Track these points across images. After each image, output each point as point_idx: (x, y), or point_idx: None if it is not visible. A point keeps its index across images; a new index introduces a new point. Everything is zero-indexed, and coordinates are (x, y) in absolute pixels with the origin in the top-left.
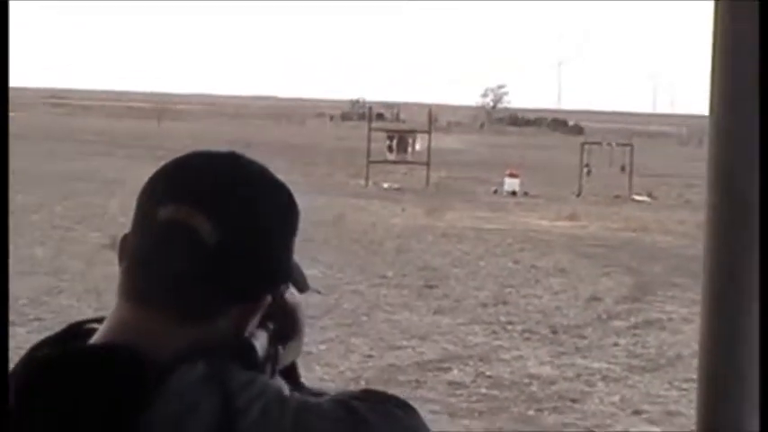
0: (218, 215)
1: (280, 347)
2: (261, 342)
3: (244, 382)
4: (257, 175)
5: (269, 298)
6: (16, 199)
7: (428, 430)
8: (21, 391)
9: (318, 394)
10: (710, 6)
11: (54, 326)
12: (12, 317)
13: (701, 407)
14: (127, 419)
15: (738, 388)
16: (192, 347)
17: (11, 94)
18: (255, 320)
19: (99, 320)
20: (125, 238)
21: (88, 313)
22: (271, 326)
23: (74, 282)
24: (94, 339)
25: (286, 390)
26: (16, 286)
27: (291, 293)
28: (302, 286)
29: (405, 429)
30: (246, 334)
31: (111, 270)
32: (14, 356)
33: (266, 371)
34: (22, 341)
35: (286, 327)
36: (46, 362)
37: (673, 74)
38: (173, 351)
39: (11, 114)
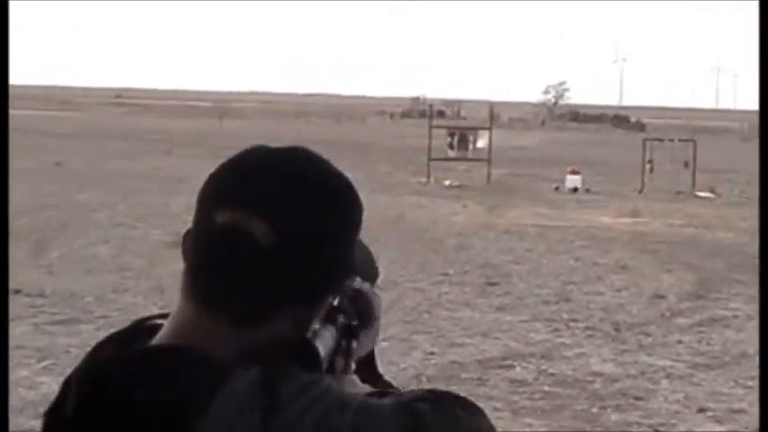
0: (277, 217)
1: (353, 342)
2: (326, 340)
3: (300, 386)
4: (319, 170)
5: (330, 299)
6: (79, 198)
7: (493, 430)
8: (86, 390)
9: (390, 386)
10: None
11: (119, 323)
12: (78, 314)
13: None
14: (185, 421)
15: None
16: (251, 349)
17: (77, 93)
18: (318, 319)
19: (163, 316)
20: (187, 234)
21: (153, 311)
22: (341, 319)
23: (138, 279)
24: (158, 338)
25: (355, 388)
26: (82, 284)
27: (364, 284)
28: (371, 274)
29: (469, 428)
30: (311, 332)
31: (173, 268)
32: (82, 353)
33: (336, 367)
34: (88, 338)
35: (359, 317)
36: (111, 361)
37: (735, 68)
38: (233, 352)
39: (75, 114)
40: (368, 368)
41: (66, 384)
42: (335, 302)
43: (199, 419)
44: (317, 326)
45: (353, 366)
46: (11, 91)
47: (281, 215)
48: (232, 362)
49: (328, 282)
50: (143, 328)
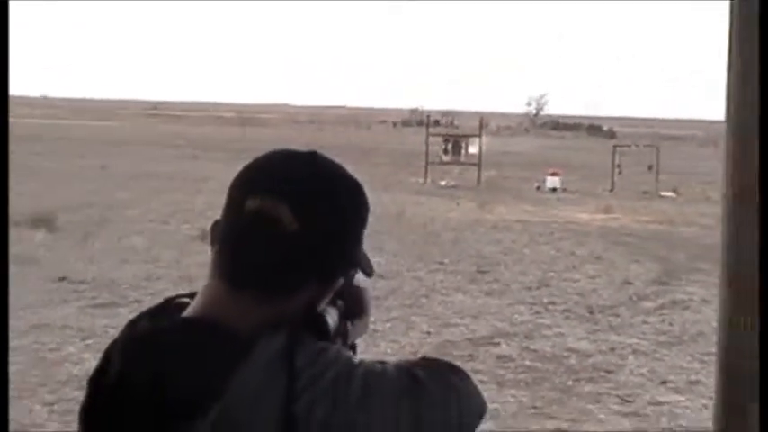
0: (299, 207)
1: (348, 324)
2: (333, 317)
3: (317, 350)
4: (335, 172)
5: (340, 280)
6: (116, 195)
7: (480, 394)
8: (126, 358)
9: (382, 363)
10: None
11: None
12: (115, 299)
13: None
14: (216, 386)
15: (749, 368)
16: (271, 321)
17: (118, 106)
18: (327, 299)
19: (190, 296)
20: (216, 224)
21: None
22: (341, 304)
23: (169, 269)
24: (187, 313)
25: (355, 358)
26: (118, 273)
27: (359, 279)
28: (369, 272)
29: (459, 396)
30: (321, 309)
31: (201, 259)
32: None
33: (337, 342)
34: (124, 320)
35: (354, 306)
36: (146, 333)
37: (692, 83)
38: (255, 324)
39: (115, 124)
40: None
41: (107, 355)
42: (339, 289)
43: (227, 384)
44: (324, 305)
45: (347, 347)
46: (59, 103)
47: (303, 206)
48: (254, 332)
49: (339, 267)
50: (172, 305)
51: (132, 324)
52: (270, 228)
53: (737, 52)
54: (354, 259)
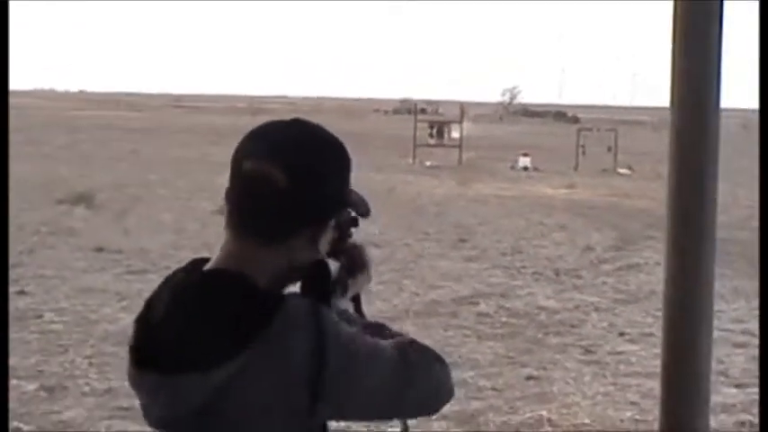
0: (287, 164)
1: (349, 278)
2: (333, 267)
3: (336, 318)
4: (316, 132)
5: (332, 222)
6: (148, 177)
7: (452, 383)
8: (170, 299)
9: (379, 325)
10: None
11: None
12: (147, 266)
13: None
14: (252, 333)
15: (690, 318)
16: (280, 271)
17: (146, 99)
18: (325, 238)
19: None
20: (227, 190)
21: None
22: (342, 259)
23: (192, 239)
24: (213, 264)
25: (351, 310)
26: (149, 242)
27: (360, 243)
28: (363, 211)
29: (438, 378)
30: (321, 258)
31: (219, 230)
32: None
33: (336, 291)
34: (155, 284)
35: (355, 262)
36: (184, 280)
37: (648, 72)
38: (267, 271)
39: (144, 114)
40: (356, 305)
41: (148, 303)
42: (339, 247)
43: (262, 329)
44: (327, 259)
45: (348, 297)
46: (93, 96)
47: (290, 163)
48: (275, 285)
49: (328, 210)
50: (198, 262)
51: (170, 277)
52: (262, 184)
53: (680, 50)
54: (343, 200)
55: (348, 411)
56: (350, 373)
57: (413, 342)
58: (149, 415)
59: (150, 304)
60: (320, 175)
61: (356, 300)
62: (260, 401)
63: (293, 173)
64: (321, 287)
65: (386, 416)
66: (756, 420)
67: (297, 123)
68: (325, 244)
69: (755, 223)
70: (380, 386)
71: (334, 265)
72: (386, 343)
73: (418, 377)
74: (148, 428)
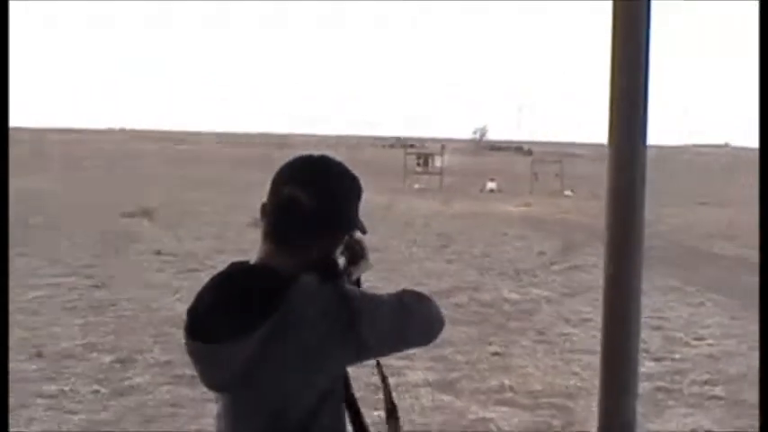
0: (315, 191)
1: (352, 267)
2: (341, 261)
3: (342, 287)
4: (338, 167)
5: (345, 237)
6: (192, 196)
7: (442, 315)
8: (215, 289)
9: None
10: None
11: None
12: (196, 266)
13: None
14: (270, 308)
15: (626, 307)
16: (301, 265)
17: (194, 137)
18: (338, 249)
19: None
20: (263, 205)
21: None
22: (347, 254)
23: (230, 245)
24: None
25: (357, 291)
26: (198, 247)
27: (360, 237)
28: (364, 231)
29: (430, 311)
30: (333, 256)
31: (252, 237)
32: (198, 289)
33: (344, 278)
34: (202, 281)
35: (356, 253)
36: (228, 275)
37: (591, 114)
38: (291, 267)
39: (190, 147)
40: (357, 286)
41: (200, 294)
42: (342, 248)
43: (282, 300)
44: (337, 254)
45: (352, 281)
46: (148, 134)
47: (317, 190)
48: (293, 272)
49: (344, 227)
50: (236, 264)
51: (215, 277)
52: (296, 205)
53: (616, 94)
54: (353, 223)
55: (369, 345)
56: (366, 314)
57: (405, 290)
58: (204, 380)
59: (200, 296)
60: (342, 202)
61: (357, 283)
62: (292, 360)
63: (320, 198)
64: (332, 274)
65: (396, 346)
66: (669, 386)
67: (324, 159)
68: (335, 250)
69: (673, 236)
70: (389, 321)
71: (341, 260)
72: (384, 294)
73: (414, 311)
74: (198, 391)
